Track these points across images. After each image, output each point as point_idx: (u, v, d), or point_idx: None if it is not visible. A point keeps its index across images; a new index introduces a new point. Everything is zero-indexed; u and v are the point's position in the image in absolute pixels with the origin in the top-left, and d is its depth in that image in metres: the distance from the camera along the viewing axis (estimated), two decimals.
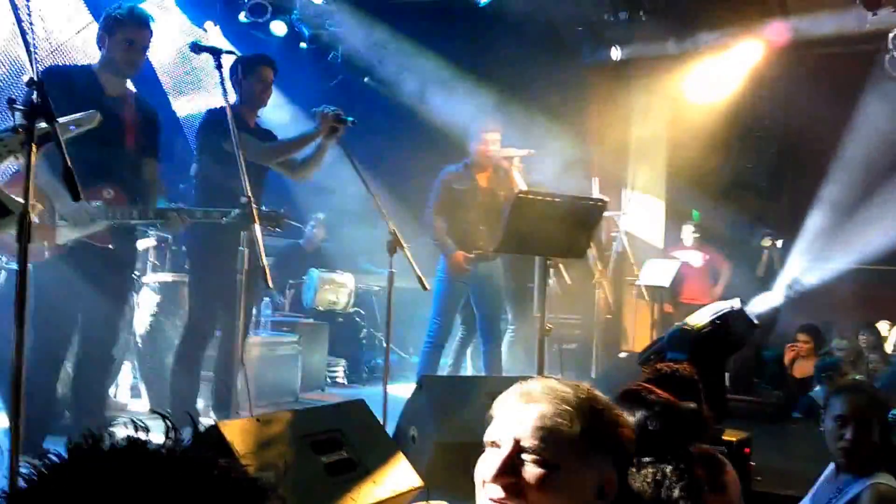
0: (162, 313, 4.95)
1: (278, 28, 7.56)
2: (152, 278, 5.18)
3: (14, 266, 2.94)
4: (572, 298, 7.20)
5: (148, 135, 3.85)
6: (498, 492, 1.19)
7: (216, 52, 3.58)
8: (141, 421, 0.77)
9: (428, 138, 7.44)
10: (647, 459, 1.66)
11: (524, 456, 1.19)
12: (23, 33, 2.43)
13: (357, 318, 7.64)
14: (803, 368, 6.87)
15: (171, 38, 7.04)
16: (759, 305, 7.25)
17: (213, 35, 7.37)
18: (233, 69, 4.22)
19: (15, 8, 2.53)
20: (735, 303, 3.70)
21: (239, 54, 4.49)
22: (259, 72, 4.24)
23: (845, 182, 7.71)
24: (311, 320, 6.74)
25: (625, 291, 7.90)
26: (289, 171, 4.42)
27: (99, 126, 3.11)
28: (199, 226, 3.88)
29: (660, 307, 7.50)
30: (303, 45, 7.89)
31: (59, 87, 3.38)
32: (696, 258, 8.06)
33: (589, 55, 7.90)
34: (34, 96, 2.39)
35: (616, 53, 7.81)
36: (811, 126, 8.03)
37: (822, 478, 2.74)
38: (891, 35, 6.55)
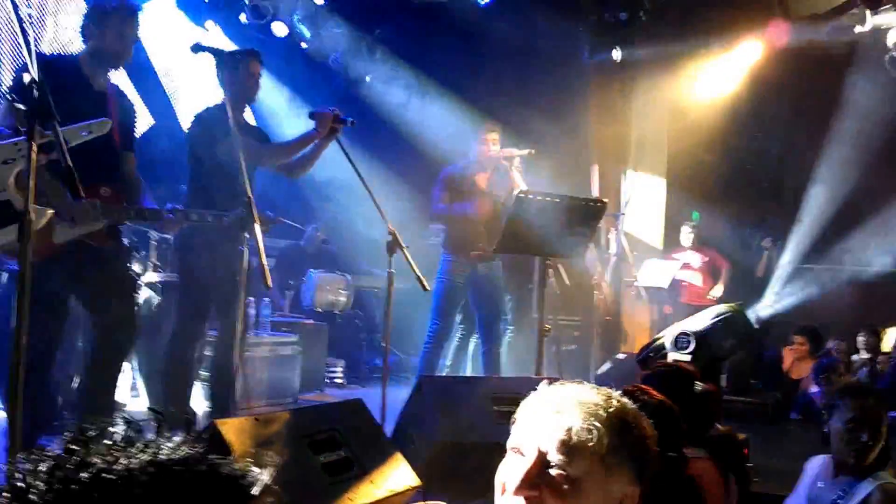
0: (162, 313, 4.96)
1: (279, 29, 7.56)
2: (152, 278, 5.18)
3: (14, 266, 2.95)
4: (571, 299, 7.21)
5: (128, 128, 3.77)
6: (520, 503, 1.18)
7: (217, 53, 3.57)
8: (132, 417, 0.77)
9: (428, 138, 7.45)
10: None
11: (548, 469, 1.17)
12: (24, 33, 2.43)
13: (356, 319, 7.65)
14: (800, 369, 6.88)
15: (171, 38, 7.06)
16: (760, 309, 7.26)
17: (215, 34, 7.39)
18: (220, 65, 4.13)
19: (16, 7, 2.54)
20: (736, 306, 3.71)
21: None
22: (246, 65, 4.14)
23: (845, 182, 7.71)
24: (310, 321, 6.74)
25: (624, 292, 7.91)
26: (284, 170, 4.40)
27: (85, 120, 3.10)
28: (195, 225, 3.86)
29: (659, 308, 7.51)
30: (303, 45, 7.89)
31: (45, 76, 3.36)
32: (696, 259, 8.07)
33: (589, 55, 7.90)
34: (35, 96, 2.39)
35: (616, 54, 7.82)
36: (811, 127, 8.04)
37: (810, 477, 2.76)
38: (891, 35, 6.56)
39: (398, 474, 2.93)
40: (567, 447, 1.17)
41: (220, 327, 4.16)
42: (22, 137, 2.51)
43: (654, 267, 7.52)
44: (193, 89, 7.34)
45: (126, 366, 4.89)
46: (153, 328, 4.92)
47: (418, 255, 4.20)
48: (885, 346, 6.93)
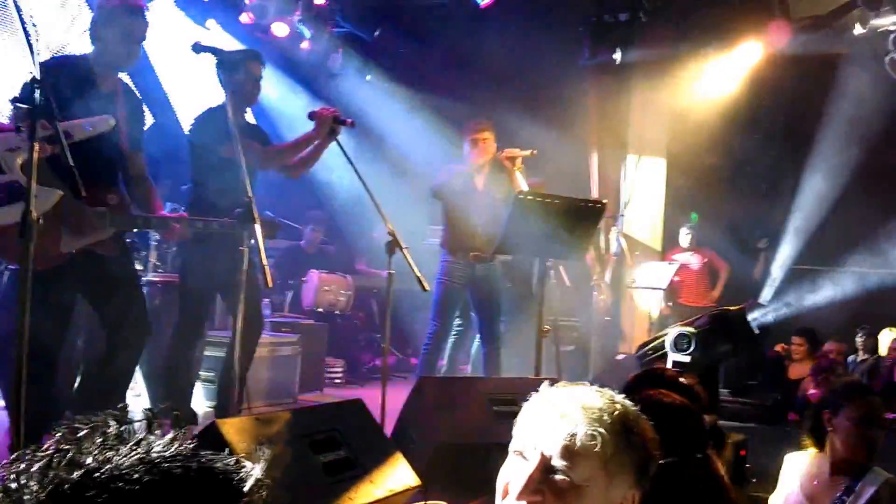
0: (163, 313, 4.96)
1: (279, 29, 7.57)
2: (153, 278, 5.19)
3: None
4: (570, 300, 7.22)
5: (135, 127, 3.75)
6: None
7: (218, 53, 3.58)
8: (123, 415, 0.77)
9: (427, 138, 7.46)
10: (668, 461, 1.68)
11: (552, 474, 1.18)
12: (25, 32, 2.44)
13: (356, 320, 7.66)
14: (798, 370, 6.90)
15: (172, 38, 7.07)
16: (762, 315, 7.26)
17: (216, 32, 7.39)
18: (220, 65, 4.14)
19: (17, 7, 2.55)
20: (737, 310, 3.72)
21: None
22: (246, 67, 4.15)
23: (846, 183, 7.72)
24: (310, 321, 6.75)
25: (623, 293, 7.92)
26: (284, 170, 4.41)
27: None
28: (192, 226, 3.86)
29: (657, 309, 7.52)
30: (304, 45, 7.89)
31: (55, 78, 3.38)
32: (694, 260, 8.08)
33: (589, 56, 7.91)
34: (37, 95, 2.40)
35: (616, 55, 7.83)
36: (812, 128, 8.04)
37: (800, 475, 2.77)
38: (892, 36, 6.56)
39: (398, 474, 2.94)
40: (571, 453, 1.17)
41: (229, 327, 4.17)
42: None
43: (653, 268, 7.53)
44: (193, 89, 7.35)
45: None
46: (154, 329, 4.91)
47: (418, 256, 4.21)
48: (881, 349, 6.94)
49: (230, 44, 7.43)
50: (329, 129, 4.06)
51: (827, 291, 7.97)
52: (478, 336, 5.76)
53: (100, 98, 3.49)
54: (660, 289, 7.38)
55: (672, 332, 2.67)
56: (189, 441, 0.75)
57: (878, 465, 2.69)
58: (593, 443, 1.17)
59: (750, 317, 3.52)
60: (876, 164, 7.60)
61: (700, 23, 7.53)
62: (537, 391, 1.28)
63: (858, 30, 6.74)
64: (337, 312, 7.21)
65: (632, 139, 8.50)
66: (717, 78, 7.72)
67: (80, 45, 6.17)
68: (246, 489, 0.74)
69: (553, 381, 1.29)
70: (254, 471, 0.76)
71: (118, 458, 0.70)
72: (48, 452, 0.71)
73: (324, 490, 2.65)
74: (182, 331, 4.26)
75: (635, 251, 7.70)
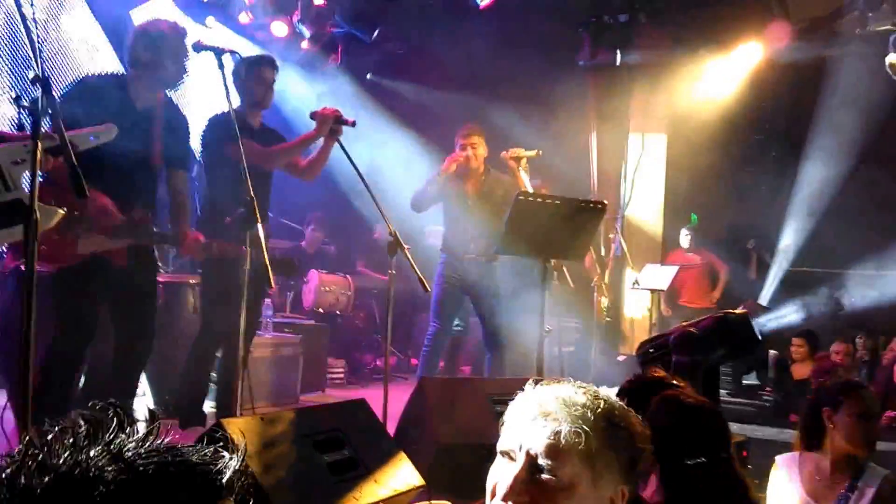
0: (165, 313, 4.96)
1: (279, 29, 7.57)
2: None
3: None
4: (571, 301, 7.22)
5: (176, 145, 3.85)
6: None
7: (218, 52, 3.58)
8: (92, 415, 0.76)
9: (427, 140, 7.47)
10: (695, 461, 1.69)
11: (537, 473, 1.18)
12: (27, 31, 2.43)
13: (357, 320, 7.67)
14: (800, 371, 6.93)
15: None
16: (766, 322, 7.27)
17: (217, 30, 7.39)
18: (235, 71, 4.23)
19: (19, 6, 2.54)
20: (742, 314, 3.72)
21: (239, 53, 4.49)
22: (260, 72, 4.24)
23: (846, 184, 7.74)
24: (311, 321, 6.75)
25: (623, 294, 7.92)
26: (294, 172, 4.45)
27: (124, 140, 3.20)
28: (207, 229, 3.91)
29: (658, 310, 7.53)
30: (304, 45, 7.90)
31: (89, 98, 3.49)
32: (695, 261, 8.09)
33: (589, 57, 7.91)
34: (39, 94, 2.40)
35: (616, 56, 7.84)
36: (811, 128, 8.06)
37: (802, 475, 2.78)
38: (891, 37, 6.58)
39: (402, 474, 2.94)
40: (556, 451, 1.17)
41: (228, 327, 4.18)
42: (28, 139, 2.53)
43: (654, 269, 7.54)
44: (194, 88, 7.35)
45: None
46: (157, 328, 4.91)
47: (419, 256, 4.22)
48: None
49: (231, 41, 7.46)
50: (330, 128, 4.07)
51: (826, 292, 7.98)
52: (482, 341, 5.75)
53: (133, 117, 3.59)
54: (660, 290, 7.39)
55: (675, 333, 2.67)
56: (164, 436, 0.74)
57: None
58: (578, 440, 1.17)
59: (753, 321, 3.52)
60: (874, 165, 7.61)
61: (699, 24, 7.54)
62: (523, 392, 1.27)
63: (857, 31, 6.75)
64: (338, 313, 7.21)
65: (631, 140, 8.51)
66: (716, 79, 7.74)
67: (80, 44, 6.19)
68: (224, 480, 0.73)
69: (538, 382, 1.28)
70: (231, 462, 0.75)
71: (90, 459, 0.69)
72: (17, 458, 0.70)
73: (328, 489, 2.65)
74: (206, 332, 4.27)
75: (635, 252, 7.71)
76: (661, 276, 7.43)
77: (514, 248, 4.56)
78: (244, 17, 7.43)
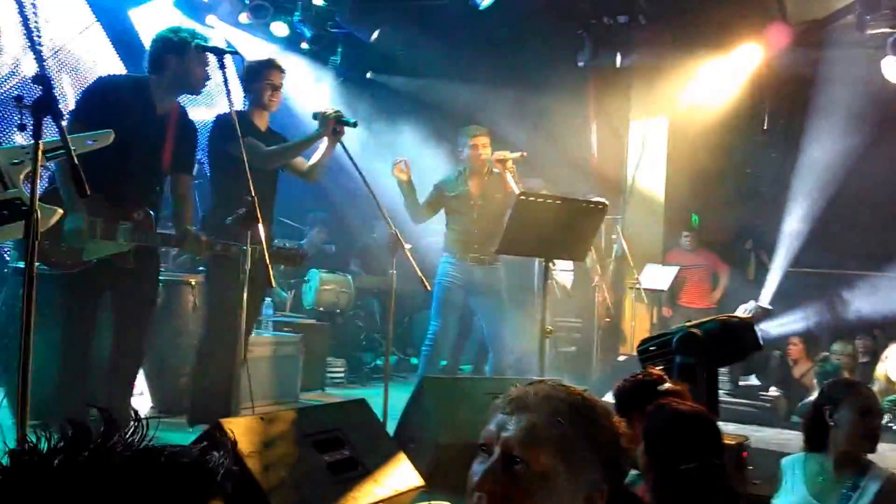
0: (164, 312, 4.96)
1: (279, 29, 7.57)
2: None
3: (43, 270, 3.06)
4: (571, 301, 7.23)
5: (185, 151, 3.91)
6: (481, 500, 1.17)
7: (219, 53, 3.60)
8: (78, 419, 0.76)
9: (427, 140, 7.47)
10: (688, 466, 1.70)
11: (512, 465, 1.17)
12: (28, 31, 2.44)
13: (357, 319, 7.67)
14: (797, 370, 6.95)
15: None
16: (771, 328, 7.26)
17: (218, 28, 7.40)
18: (242, 74, 4.29)
19: (21, 6, 2.55)
20: (747, 319, 3.73)
21: (240, 53, 4.53)
22: (267, 75, 4.28)
23: (845, 185, 7.74)
24: (311, 320, 6.75)
25: (624, 295, 7.93)
26: (299, 174, 4.47)
27: (141, 144, 3.26)
28: (211, 227, 3.94)
29: (658, 310, 7.53)
30: (304, 45, 7.90)
31: (109, 97, 3.53)
32: (695, 262, 8.09)
33: (589, 59, 7.92)
34: (41, 93, 2.40)
35: (616, 57, 7.84)
36: (811, 130, 8.06)
37: (807, 476, 2.80)
38: (889, 39, 6.58)
39: (402, 474, 2.95)
40: (529, 443, 1.17)
41: (227, 326, 4.21)
42: (29, 142, 2.54)
43: (654, 269, 7.55)
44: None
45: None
46: (155, 327, 4.92)
47: (420, 256, 4.22)
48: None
49: (232, 38, 7.47)
50: (333, 129, 4.09)
51: (825, 293, 7.98)
52: (486, 341, 5.76)
53: (151, 121, 3.67)
54: (661, 290, 7.39)
55: (679, 333, 2.67)
56: (148, 438, 0.74)
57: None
58: (552, 432, 1.16)
59: (758, 326, 3.52)
60: (874, 165, 7.61)
61: (699, 26, 7.54)
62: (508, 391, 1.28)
63: (856, 33, 6.76)
64: (338, 312, 7.21)
65: (632, 140, 8.52)
66: (715, 81, 7.74)
67: (80, 44, 6.19)
68: (217, 479, 0.74)
69: (530, 383, 1.29)
70: (222, 461, 0.75)
71: (75, 467, 0.69)
72: (7, 469, 0.70)
73: (328, 489, 2.66)
74: (212, 331, 4.28)
75: (636, 252, 7.71)
76: (661, 276, 7.44)
77: (515, 248, 4.56)
78: (244, 18, 7.43)
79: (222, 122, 4.15)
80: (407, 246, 4.20)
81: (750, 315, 3.83)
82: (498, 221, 5.22)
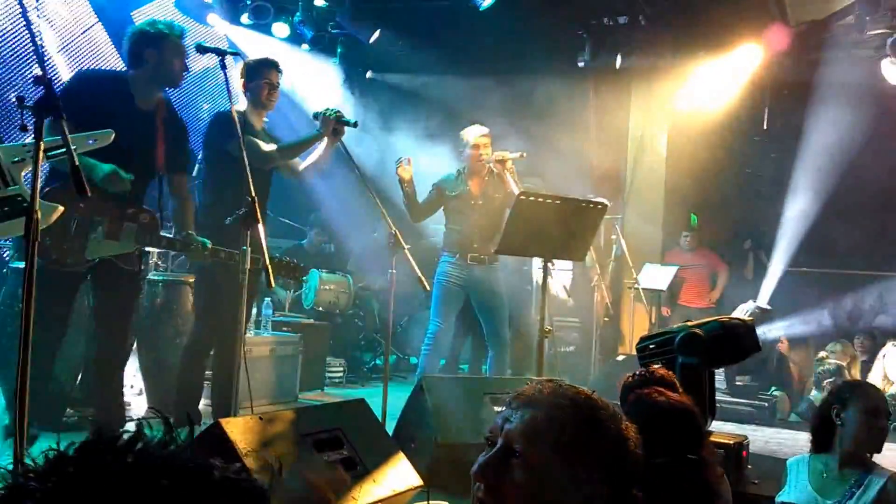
0: (164, 312, 4.97)
1: (280, 30, 7.57)
2: (155, 277, 5.20)
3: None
4: (570, 301, 7.23)
5: (177, 148, 3.89)
6: (480, 490, 1.18)
7: (221, 53, 3.60)
8: (147, 421, 0.75)
9: (427, 141, 7.47)
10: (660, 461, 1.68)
11: (511, 458, 1.18)
12: (31, 32, 2.45)
13: (356, 319, 7.67)
14: (795, 369, 6.98)
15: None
16: (771, 330, 7.27)
17: (220, 27, 7.40)
18: (240, 73, 4.28)
19: (23, 7, 2.56)
20: (747, 320, 3.73)
21: (242, 54, 4.52)
22: (265, 75, 4.28)
23: (844, 185, 7.74)
24: (311, 320, 6.76)
25: (623, 294, 7.93)
26: (289, 172, 4.46)
27: (128, 141, 3.22)
28: (204, 227, 3.93)
29: (657, 310, 7.54)
30: (304, 46, 7.91)
31: (89, 93, 3.49)
32: (694, 261, 8.10)
33: (589, 60, 7.92)
34: (42, 93, 2.41)
35: (616, 58, 7.85)
36: (810, 130, 8.06)
37: (811, 473, 2.81)
38: (888, 39, 6.59)
39: (401, 474, 2.95)
40: (527, 436, 1.17)
41: (225, 325, 4.20)
42: (30, 140, 2.55)
43: (653, 269, 7.55)
44: (194, 88, 7.36)
45: (129, 368, 4.94)
46: (155, 327, 4.93)
47: (419, 256, 4.23)
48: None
49: (233, 35, 7.47)
50: (333, 129, 4.09)
51: (825, 293, 7.99)
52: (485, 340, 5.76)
53: (136, 118, 3.62)
54: (660, 290, 7.40)
55: (682, 333, 2.67)
56: (207, 446, 0.73)
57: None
58: (554, 427, 1.17)
59: (759, 328, 3.53)
60: (873, 166, 7.61)
61: (699, 27, 7.55)
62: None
63: (855, 34, 6.77)
64: (337, 312, 7.22)
65: (631, 140, 8.52)
66: (715, 81, 7.75)
67: (83, 44, 6.19)
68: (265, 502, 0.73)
69: (543, 382, 1.29)
70: (266, 484, 0.75)
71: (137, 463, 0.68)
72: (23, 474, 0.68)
73: None
74: (199, 335, 4.29)
75: (635, 252, 7.72)
76: (660, 276, 7.45)
77: (515, 248, 4.57)
78: (245, 19, 7.44)
79: (221, 119, 4.14)
80: (406, 246, 4.21)
81: (751, 318, 3.82)
82: (497, 221, 5.23)
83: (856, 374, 6.64)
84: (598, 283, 7.05)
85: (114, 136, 3.04)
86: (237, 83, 3.60)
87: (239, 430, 2.55)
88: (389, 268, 4.36)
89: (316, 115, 4.17)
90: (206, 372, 4.40)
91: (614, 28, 7.81)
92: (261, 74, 4.26)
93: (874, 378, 6.42)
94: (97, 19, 6.29)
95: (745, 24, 7.31)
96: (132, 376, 5.06)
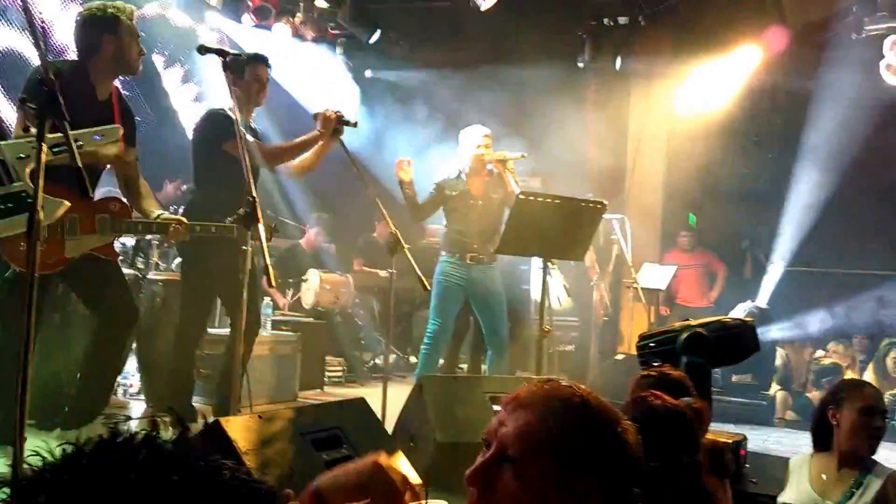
0: (164, 311, 4.98)
1: (281, 30, 7.59)
2: (154, 277, 5.21)
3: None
4: (570, 300, 7.24)
5: (130, 132, 3.76)
6: (472, 495, 1.15)
7: (223, 55, 3.59)
8: (161, 417, 0.77)
9: (426, 139, 7.49)
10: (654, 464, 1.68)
11: (504, 462, 1.14)
12: (33, 32, 2.45)
13: (356, 318, 7.69)
14: (793, 368, 7.01)
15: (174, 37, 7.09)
16: (771, 331, 7.28)
17: (221, 26, 7.41)
18: (223, 68, 4.17)
19: (27, 10, 2.56)
20: (748, 320, 3.75)
21: (242, 54, 4.51)
22: (254, 71, 4.23)
23: (842, 185, 7.76)
24: (310, 319, 6.77)
25: (622, 294, 7.95)
26: (288, 171, 4.45)
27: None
28: (191, 230, 3.91)
29: (656, 310, 7.55)
30: (305, 46, 7.92)
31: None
32: (693, 261, 8.12)
33: (588, 60, 7.94)
34: (45, 95, 2.41)
35: (616, 59, 7.86)
36: (809, 130, 8.08)
37: (812, 474, 2.82)
38: (886, 40, 6.60)
39: None
40: (523, 441, 1.14)
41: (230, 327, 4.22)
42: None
43: (652, 269, 7.57)
44: (193, 88, 7.38)
45: (127, 366, 4.95)
46: (154, 326, 4.94)
47: (419, 255, 4.24)
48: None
49: (234, 32, 7.48)
50: (333, 129, 4.09)
51: (825, 293, 8.00)
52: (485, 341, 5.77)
53: (96, 107, 3.53)
54: (659, 290, 7.41)
55: (686, 333, 2.67)
56: (208, 445, 0.74)
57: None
58: (547, 431, 1.13)
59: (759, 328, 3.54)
60: (871, 166, 7.63)
61: (698, 28, 7.56)
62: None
63: (854, 35, 6.78)
64: (337, 311, 7.23)
65: (631, 141, 8.53)
66: (714, 82, 7.76)
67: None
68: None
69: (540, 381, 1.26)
70: (275, 485, 0.75)
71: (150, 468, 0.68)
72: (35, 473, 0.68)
73: None
74: (185, 330, 4.29)
75: (633, 252, 7.74)
76: (659, 275, 7.46)
77: (515, 248, 4.58)
78: (246, 20, 7.45)
79: (217, 118, 4.12)
80: (406, 246, 4.21)
81: (750, 318, 3.83)
82: (497, 221, 5.24)
83: (855, 373, 6.65)
84: (596, 282, 7.06)
85: (122, 131, 3.01)
86: (223, 78, 3.50)
87: (238, 428, 2.56)
88: (389, 267, 4.37)
89: (316, 115, 4.17)
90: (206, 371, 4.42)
91: (614, 29, 7.82)
92: (249, 70, 4.19)
93: (872, 377, 6.44)
94: None
95: (744, 26, 7.33)
96: (132, 376, 5.09)
